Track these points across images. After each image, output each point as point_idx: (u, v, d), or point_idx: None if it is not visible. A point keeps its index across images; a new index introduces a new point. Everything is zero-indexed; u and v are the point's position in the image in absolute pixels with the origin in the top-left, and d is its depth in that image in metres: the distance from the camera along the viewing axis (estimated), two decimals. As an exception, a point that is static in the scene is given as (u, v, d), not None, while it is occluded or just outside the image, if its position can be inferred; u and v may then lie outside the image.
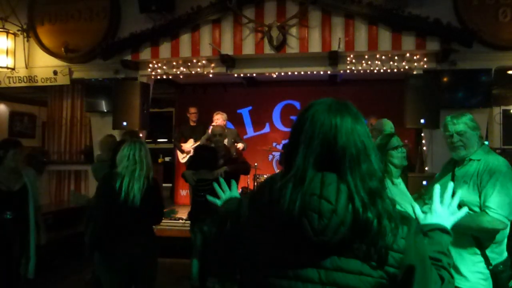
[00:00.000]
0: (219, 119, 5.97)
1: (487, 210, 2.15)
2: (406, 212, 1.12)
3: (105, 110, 6.47)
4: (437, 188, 1.31)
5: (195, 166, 4.47)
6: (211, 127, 6.19)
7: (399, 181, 2.72)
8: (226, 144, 5.14)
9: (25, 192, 3.67)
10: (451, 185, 1.33)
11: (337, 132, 1.04)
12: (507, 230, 2.27)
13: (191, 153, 6.63)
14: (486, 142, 5.50)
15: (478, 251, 2.23)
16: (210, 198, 1.62)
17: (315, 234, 0.97)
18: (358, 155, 1.03)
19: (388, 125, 4.26)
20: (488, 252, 2.23)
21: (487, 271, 2.23)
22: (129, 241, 2.95)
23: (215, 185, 1.64)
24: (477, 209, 2.24)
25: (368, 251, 0.99)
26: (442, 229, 1.22)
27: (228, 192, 1.61)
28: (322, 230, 0.97)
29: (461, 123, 2.33)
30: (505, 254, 2.28)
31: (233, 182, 1.63)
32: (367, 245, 0.99)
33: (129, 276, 3.03)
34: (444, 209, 1.27)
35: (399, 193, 2.57)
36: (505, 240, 2.28)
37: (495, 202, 2.14)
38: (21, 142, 3.84)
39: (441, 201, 1.29)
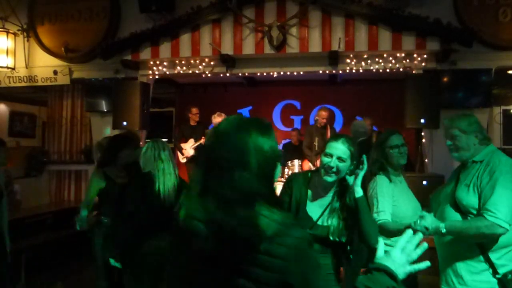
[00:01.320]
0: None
1: (485, 214, 2.02)
2: (290, 222, 1.11)
3: (105, 110, 6.47)
4: (406, 233, 1.24)
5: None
6: (211, 126, 6.20)
7: (400, 179, 2.66)
8: None
9: (1, 195, 3.51)
10: (419, 235, 1.25)
11: (213, 143, 1.13)
12: None
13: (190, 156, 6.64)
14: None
15: (482, 258, 2.10)
16: None
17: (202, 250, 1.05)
18: (229, 165, 1.07)
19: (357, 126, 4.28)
20: (495, 259, 2.08)
21: (494, 280, 2.07)
22: (163, 237, 3.03)
23: None
24: (475, 212, 2.12)
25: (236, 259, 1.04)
26: (389, 274, 1.15)
27: None
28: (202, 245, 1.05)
29: (454, 127, 2.26)
30: None
31: None
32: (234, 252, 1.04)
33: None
34: (402, 257, 1.20)
35: (398, 191, 2.56)
36: None
37: (493, 204, 2.01)
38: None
39: (403, 248, 1.21)
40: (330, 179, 2.07)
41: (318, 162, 2.09)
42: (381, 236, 2.37)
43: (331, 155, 2.07)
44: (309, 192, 2.15)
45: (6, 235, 3.56)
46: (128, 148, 3.55)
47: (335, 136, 2.15)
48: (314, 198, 2.14)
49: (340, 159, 2.05)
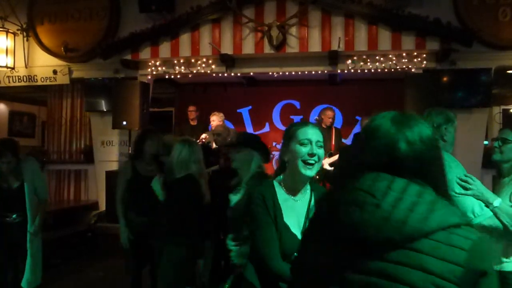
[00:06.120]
0: (214, 120, 5.93)
1: None
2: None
3: (105, 110, 6.47)
4: None
5: None
6: (210, 127, 6.17)
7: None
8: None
9: None
10: None
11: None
12: None
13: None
14: (486, 142, 5.52)
15: None
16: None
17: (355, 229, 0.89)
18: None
19: None
20: None
21: None
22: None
23: None
24: None
25: None
26: None
27: None
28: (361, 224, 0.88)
29: None
30: None
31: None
32: None
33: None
34: None
35: None
36: None
37: None
38: None
39: None
40: (311, 172, 1.67)
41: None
42: None
43: (309, 141, 1.67)
44: (281, 203, 1.70)
45: None
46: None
47: (302, 123, 1.78)
48: (289, 209, 1.70)
49: (319, 143, 1.69)
